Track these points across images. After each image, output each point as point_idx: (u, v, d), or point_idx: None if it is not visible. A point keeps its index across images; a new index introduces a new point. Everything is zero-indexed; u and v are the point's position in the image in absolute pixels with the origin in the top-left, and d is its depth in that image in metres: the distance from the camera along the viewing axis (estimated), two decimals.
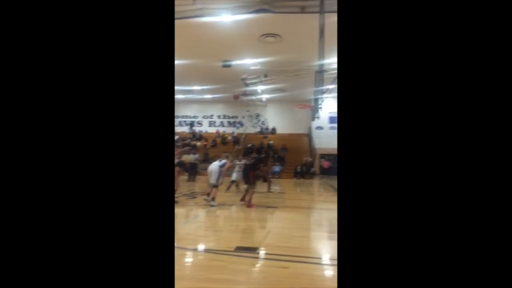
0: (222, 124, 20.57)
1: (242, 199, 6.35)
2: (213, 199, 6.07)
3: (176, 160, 5.87)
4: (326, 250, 3.46)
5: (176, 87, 14.02)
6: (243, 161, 7.42)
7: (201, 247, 3.40)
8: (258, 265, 2.87)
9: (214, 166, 6.27)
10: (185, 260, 2.92)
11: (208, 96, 18.17)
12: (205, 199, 6.11)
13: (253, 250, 3.19)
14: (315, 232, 4.54)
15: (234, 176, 7.89)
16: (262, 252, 3.17)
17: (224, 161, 6.44)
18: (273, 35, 9.68)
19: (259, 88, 14.98)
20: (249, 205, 5.98)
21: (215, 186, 6.19)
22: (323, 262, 2.97)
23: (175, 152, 6.14)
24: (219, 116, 20.66)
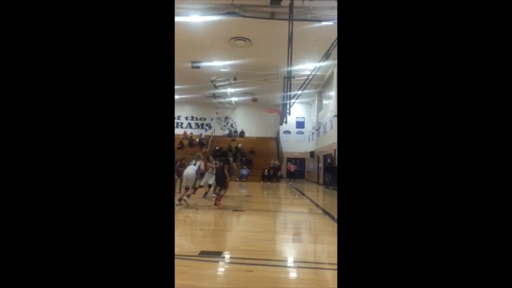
0: (189, 126, 20.18)
1: (216, 204, 6.38)
2: (187, 196, 6.24)
3: None
4: (291, 253, 3.52)
5: None
6: (215, 164, 7.28)
7: None
8: (222, 270, 2.85)
9: (191, 170, 6.31)
10: None
11: (175, 97, 17.74)
12: (184, 200, 6.23)
13: (218, 254, 3.16)
14: (280, 235, 4.60)
15: (204, 180, 7.44)
16: (226, 256, 3.15)
17: (198, 163, 6.45)
18: (243, 39, 9.74)
19: (229, 90, 14.94)
20: (218, 204, 6.14)
21: (193, 188, 6.39)
22: (287, 265, 3.02)
23: None
24: (186, 118, 20.25)
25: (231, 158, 7.53)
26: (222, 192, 6.28)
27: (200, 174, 6.61)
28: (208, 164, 6.98)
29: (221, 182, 6.25)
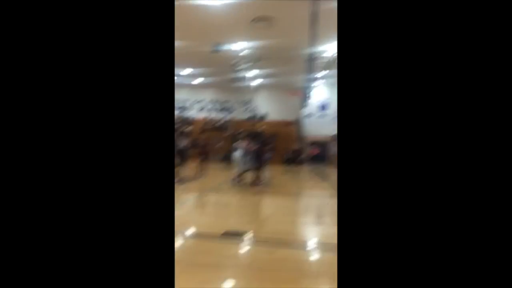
0: (211, 110, 20.39)
1: (254, 184, 6.67)
2: (257, 179, 6.65)
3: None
4: (312, 235, 3.54)
5: None
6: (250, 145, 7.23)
7: (189, 231, 3.42)
8: (244, 250, 2.92)
9: (238, 152, 6.78)
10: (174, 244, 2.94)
11: (198, 81, 17.89)
12: (233, 180, 6.75)
13: (240, 235, 3.24)
14: (301, 218, 4.63)
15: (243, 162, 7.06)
16: (249, 237, 3.22)
17: (243, 143, 6.79)
18: (265, 19, 9.49)
19: (250, 73, 14.81)
20: (259, 182, 6.62)
21: (247, 170, 6.70)
22: (308, 247, 3.04)
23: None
24: (208, 102, 20.44)
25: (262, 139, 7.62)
26: (260, 173, 6.76)
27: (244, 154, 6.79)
28: (245, 146, 6.90)
29: (259, 164, 6.65)
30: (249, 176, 6.90)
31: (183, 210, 4.69)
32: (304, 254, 2.84)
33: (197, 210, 4.92)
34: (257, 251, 2.88)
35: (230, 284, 2.15)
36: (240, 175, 6.80)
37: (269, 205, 5.41)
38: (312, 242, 3.21)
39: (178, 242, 3.07)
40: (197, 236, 3.30)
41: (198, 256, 2.62)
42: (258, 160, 6.70)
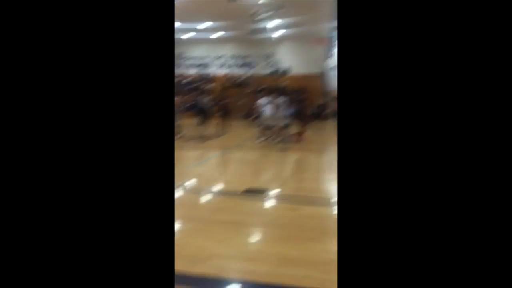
0: (232, 65, 19.82)
1: (295, 140, 6.89)
2: (297, 135, 6.95)
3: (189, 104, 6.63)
4: (335, 192, 3.45)
5: (181, 26, 13.13)
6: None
7: (211, 188, 3.45)
8: (266, 207, 2.90)
9: (268, 111, 6.78)
10: (195, 202, 2.97)
11: (216, 35, 17.17)
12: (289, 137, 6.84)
13: (262, 192, 3.21)
14: (324, 174, 4.53)
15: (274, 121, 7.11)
16: (271, 194, 3.19)
17: (271, 102, 6.85)
18: None
19: (271, 24, 13.89)
20: (300, 139, 6.93)
21: (284, 127, 6.79)
22: (331, 204, 2.96)
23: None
24: (229, 57, 19.80)
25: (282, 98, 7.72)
26: (302, 130, 7.04)
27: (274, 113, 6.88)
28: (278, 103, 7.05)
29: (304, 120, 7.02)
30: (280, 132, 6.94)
31: (205, 168, 4.74)
32: (328, 211, 2.77)
33: (220, 168, 4.96)
34: (280, 208, 2.86)
35: (252, 241, 2.15)
36: (291, 133, 6.95)
37: (294, 161, 5.34)
38: (335, 199, 3.13)
39: (200, 199, 3.10)
40: (219, 193, 3.32)
41: (220, 214, 2.62)
42: (301, 116, 7.00)
